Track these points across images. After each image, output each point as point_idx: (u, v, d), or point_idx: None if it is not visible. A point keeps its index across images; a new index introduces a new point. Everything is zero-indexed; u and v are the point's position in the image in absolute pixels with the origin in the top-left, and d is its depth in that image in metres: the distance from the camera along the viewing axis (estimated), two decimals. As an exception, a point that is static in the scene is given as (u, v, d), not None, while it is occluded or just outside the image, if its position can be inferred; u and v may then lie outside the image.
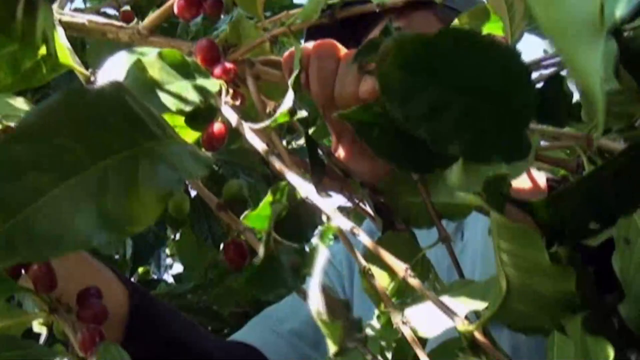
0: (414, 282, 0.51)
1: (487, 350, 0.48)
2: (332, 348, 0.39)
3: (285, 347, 1.06)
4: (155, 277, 2.63)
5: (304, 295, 0.51)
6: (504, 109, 0.46)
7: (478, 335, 0.48)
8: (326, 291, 0.42)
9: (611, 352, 0.38)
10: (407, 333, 0.54)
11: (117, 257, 2.13)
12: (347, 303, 0.58)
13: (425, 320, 0.56)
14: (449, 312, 0.50)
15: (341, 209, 0.71)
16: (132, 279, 2.45)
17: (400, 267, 0.52)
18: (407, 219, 0.74)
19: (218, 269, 2.62)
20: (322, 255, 0.37)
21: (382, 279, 0.64)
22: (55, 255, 0.41)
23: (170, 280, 2.70)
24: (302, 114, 0.62)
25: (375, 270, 0.59)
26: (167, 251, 2.73)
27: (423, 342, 0.55)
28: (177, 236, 2.47)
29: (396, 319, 0.56)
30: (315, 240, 0.43)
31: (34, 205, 0.41)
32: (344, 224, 0.51)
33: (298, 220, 0.56)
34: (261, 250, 0.48)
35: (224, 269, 2.57)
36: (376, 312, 0.66)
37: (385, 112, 0.49)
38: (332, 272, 1.16)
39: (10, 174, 0.42)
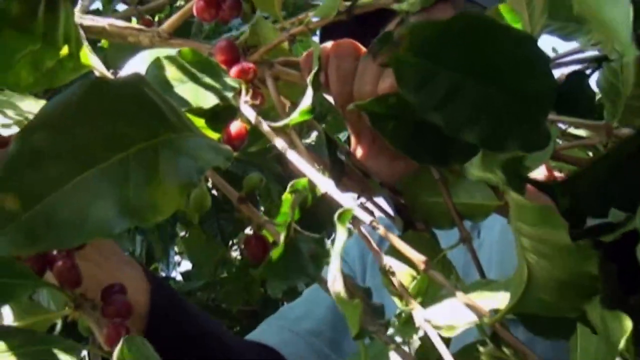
0: (434, 274, 0.50)
1: (510, 342, 0.47)
2: (353, 329, 0.39)
3: (303, 347, 1.05)
4: (164, 274, 2.63)
5: (325, 284, 0.50)
6: (520, 96, 0.46)
7: (499, 327, 0.48)
8: (346, 277, 0.42)
9: (629, 325, 0.37)
10: (430, 331, 0.54)
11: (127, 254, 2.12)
12: (368, 290, 0.58)
13: (447, 319, 0.56)
14: (470, 305, 0.50)
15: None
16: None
17: (420, 260, 0.51)
18: (427, 219, 0.73)
19: (227, 267, 2.61)
20: (341, 238, 0.37)
21: (402, 277, 0.64)
22: (76, 243, 0.42)
23: (179, 278, 2.70)
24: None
25: (396, 267, 0.59)
26: (176, 249, 2.73)
27: (446, 342, 0.55)
28: (187, 234, 2.47)
29: (418, 316, 0.55)
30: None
31: (55, 194, 0.42)
32: (364, 217, 0.50)
33: (317, 217, 0.56)
34: (282, 238, 0.48)
35: (233, 267, 2.56)
36: (397, 310, 0.65)
37: (402, 104, 0.49)
38: (345, 269, 1.15)
39: (31, 163, 0.42)
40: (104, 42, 1.36)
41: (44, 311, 0.58)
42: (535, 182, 0.44)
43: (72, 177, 0.42)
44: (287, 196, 0.56)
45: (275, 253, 0.47)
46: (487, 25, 0.44)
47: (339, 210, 0.37)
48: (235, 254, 2.81)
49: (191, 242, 2.41)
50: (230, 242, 2.60)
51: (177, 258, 2.83)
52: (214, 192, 2.20)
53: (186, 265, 2.86)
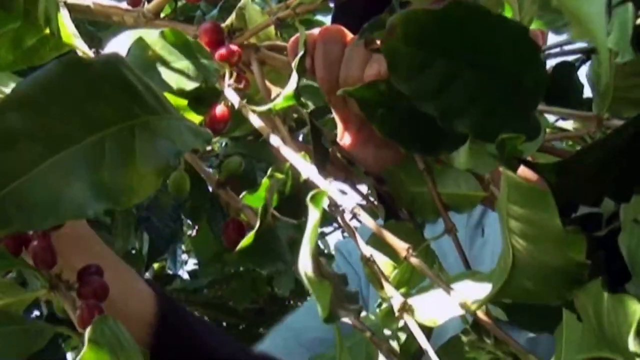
0: (416, 261, 0.50)
1: (490, 330, 0.46)
2: (322, 312, 0.38)
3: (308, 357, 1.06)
4: (170, 272, 2.63)
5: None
6: (513, 86, 0.45)
7: (481, 314, 0.47)
8: (319, 260, 0.41)
9: (638, 309, 0.36)
10: (409, 320, 0.53)
11: (133, 251, 2.12)
12: (344, 276, 0.57)
13: (428, 308, 0.55)
14: (451, 292, 0.49)
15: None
16: (148, 274, 2.46)
17: (402, 247, 0.50)
18: (412, 209, 0.72)
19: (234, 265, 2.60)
20: (313, 219, 0.36)
21: (384, 267, 0.63)
22: (49, 225, 0.41)
23: (185, 276, 2.70)
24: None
25: (378, 258, 0.58)
26: (183, 247, 2.73)
27: (427, 331, 0.54)
28: (194, 232, 2.46)
29: (397, 305, 0.55)
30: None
31: (28, 175, 0.41)
32: (346, 203, 0.50)
33: (298, 203, 0.55)
34: (257, 222, 0.47)
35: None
36: (377, 299, 0.65)
37: (391, 91, 0.48)
38: (349, 271, 1.14)
39: (3, 143, 0.41)
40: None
41: (19, 291, 0.57)
42: (530, 163, 0.44)
43: (45, 157, 0.41)
44: (265, 181, 0.55)
45: (248, 238, 0.46)
46: (482, 15, 0.43)
47: (313, 192, 0.36)
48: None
49: (198, 240, 2.39)
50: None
51: (183, 256, 2.83)
52: None
53: (193, 264, 2.86)
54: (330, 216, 0.55)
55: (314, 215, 0.35)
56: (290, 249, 0.50)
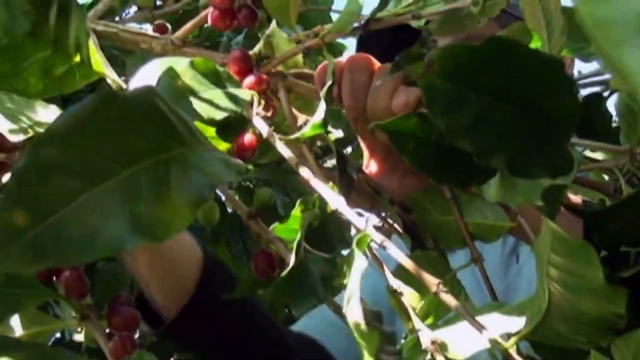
0: (446, 297, 0.50)
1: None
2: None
3: (344, 340, 1.05)
4: None
5: (335, 307, 0.49)
6: (547, 121, 0.45)
7: (513, 352, 0.47)
8: (361, 301, 0.41)
9: None
10: (437, 355, 0.53)
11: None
12: (380, 314, 0.57)
13: (455, 342, 0.55)
14: (482, 329, 0.49)
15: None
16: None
17: (432, 281, 0.50)
18: (438, 239, 0.72)
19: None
20: (359, 263, 0.36)
21: (411, 299, 0.63)
22: (84, 261, 0.41)
23: None
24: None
25: (405, 289, 0.58)
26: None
27: (454, 365, 0.54)
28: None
29: (425, 338, 0.54)
30: (346, 252, 0.42)
31: (64, 209, 0.41)
32: (375, 236, 0.50)
33: (326, 234, 0.55)
34: (292, 258, 0.47)
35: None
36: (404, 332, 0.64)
37: (422, 124, 0.48)
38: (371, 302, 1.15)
39: (40, 178, 0.41)
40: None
41: (49, 321, 0.57)
42: (572, 208, 0.43)
43: (82, 192, 0.41)
44: (296, 212, 0.55)
45: (284, 275, 0.46)
46: (517, 50, 0.43)
47: (357, 236, 0.36)
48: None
49: None
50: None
51: None
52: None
53: None
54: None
55: (360, 261, 0.35)
56: (323, 284, 0.50)
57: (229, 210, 1.85)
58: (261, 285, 0.50)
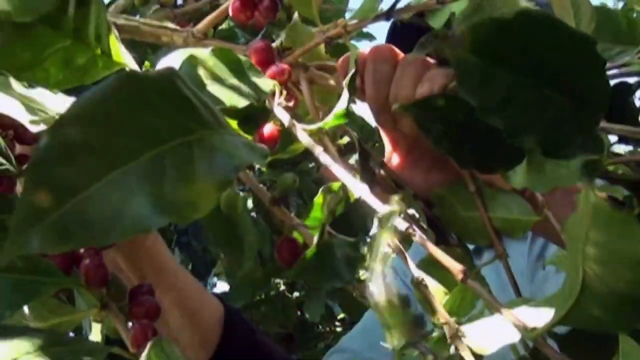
0: (472, 284, 0.48)
1: (552, 358, 0.45)
2: (397, 341, 0.36)
3: None
4: None
5: (359, 293, 0.48)
6: (578, 100, 0.44)
7: (542, 342, 0.45)
8: (389, 284, 0.40)
9: None
10: (462, 347, 0.52)
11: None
12: (406, 298, 0.55)
13: (481, 336, 0.54)
14: (509, 319, 0.47)
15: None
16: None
17: (458, 269, 0.49)
18: (462, 234, 0.71)
19: (266, 289, 2.58)
20: (384, 241, 0.34)
21: (435, 293, 0.62)
22: (111, 240, 0.40)
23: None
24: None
25: (430, 281, 0.57)
26: (214, 270, 2.72)
27: (478, 358, 0.52)
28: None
29: (451, 331, 0.53)
30: (372, 234, 0.41)
31: (88, 190, 0.40)
32: (399, 224, 0.48)
33: (349, 223, 0.54)
34: (315, 239, 0.46)
35: (271, 290, 2.54)
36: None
37: (448, 107, 0.47)
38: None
39: (63, 158, 0.40)
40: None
41: (69, 311, 0.56)
42: (613, 178, 0.42)
43: (105, 172, 0.40)
44: (318, 199, 0.54)
45: (309, 253, 0.45)
46: (548, 23, 0.42)
47: (382, 212, 0.35)
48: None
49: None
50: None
51: (214, 279, 2.82)
52: (253, 214, 2.20)
53: (222, 287, 2.85)
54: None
55: (384, 238, 0.34)
56: (347, 267, 0.48)
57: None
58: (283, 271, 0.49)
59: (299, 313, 2.67)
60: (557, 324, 0.45)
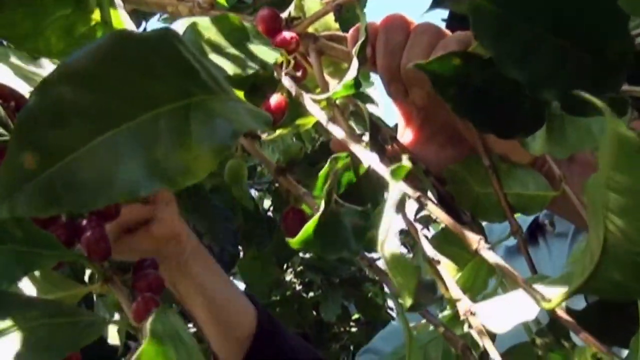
0: (488, 254, 0.46)
1: (572, 329, 0.42)
2: (407, 298, 0.33)
3: None
4: None
5: (367, 262, 0.46)
6: (600, 56, 0.41)
7: (561, 312, 0.43)
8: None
9: None
10: (475, 324, 0.50)
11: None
12: (419, 267, 0.54)
13: (496, 313, 0.51)
14: (526, 288, 0.45)
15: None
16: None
17: (474, 238, 0.47)
18: (475, 211, 0.69)
19: (281, 289, 2.58)
20: (395, 192, 0.32)
21: (448, 270, 0.60)
22: (99, 206, 0.38)
23: None
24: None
25: (442, 258, 0.54)
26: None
27: (492, 337, 0.50)
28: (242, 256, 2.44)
29: (464, 308, 0.51)
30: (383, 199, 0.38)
31: (78, 152, 0.38)
32: (410, 191, 0.46)
33: (359, 194, 0.52)
34: (321, 206, 0.43)
35: (287, 290, 2.54)
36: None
37: (466, 66, 0.45)
38: None
39: (52, 119, 0.38)
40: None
41: (72, 285, 0.55)
42: None
43: (97, 134, 0.38)
44: (325, 170, 0.52)
45: (312, 222, 0.43)
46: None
47: (393, 166, 0.32)
48: (289, 277, 2.79)
49: (246, 264, 2.37)
50: (285, 265, 2.59)
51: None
52: (270, 213, 2.19)
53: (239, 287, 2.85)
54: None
55: (395, 189, 0.31)
56: (355, 237, 0.46)
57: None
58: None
59: (314, 313, 2.66)
60: (576, 293, 0.43)
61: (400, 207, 0.55)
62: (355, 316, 3.07)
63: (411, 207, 0.63)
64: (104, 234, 0.51)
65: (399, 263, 0.30)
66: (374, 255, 0.52)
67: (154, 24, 1.92)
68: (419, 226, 0.64)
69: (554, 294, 0.48)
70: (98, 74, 0.39)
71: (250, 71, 0.55)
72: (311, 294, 2.77)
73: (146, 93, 0.40)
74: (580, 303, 0.53)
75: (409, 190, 0.47)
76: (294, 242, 0.43)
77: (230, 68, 0.53)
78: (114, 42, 0.40)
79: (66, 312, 0.45)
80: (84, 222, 0.53)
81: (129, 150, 0.38)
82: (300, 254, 2.55)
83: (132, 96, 0.40)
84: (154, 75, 0.41)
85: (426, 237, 0.56)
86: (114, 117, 0.39)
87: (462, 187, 0.68)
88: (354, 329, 3.11)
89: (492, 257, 0.46)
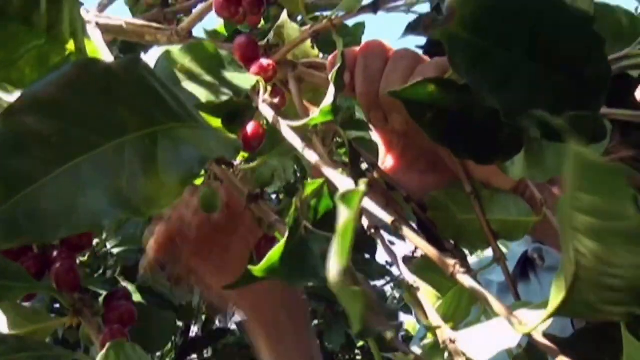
0: (463, 278, 0.45)
1: (550, 353, 0.41)
2: (355, 324, 0.32)
3: None
4: (220, 325, 2.60)
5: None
6: (578, 80, 0.40)
7: (537, 336, 0.42)
8: (352, 269, 0.36)
9: None
10: (456, 351, 0.49)
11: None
12: (383, 294, 0.53)
13: (476, 341, 0.50)
14: (503, 313, 0.44)
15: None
16: (197, 327, 2.44)
17: (449, 263, 0.46)
18: (459, 238, 0.68)
19: None
20: (343, 216, 0.30)
21: (428, 297, 0.59)
22: (61, 236, 0.37)
23: (233, 327, 2.67)
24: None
25: (421, 284, 0.54)
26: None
27: (472, 364, 0.49)
28: None
29: (444, 336, 0.50)
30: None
31: (40, 181, 0.37)
32: (385, 217, 0.46)
33: (334, 222, 0.51)
34: (286, 233, 0.43)
35: None
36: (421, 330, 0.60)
37: (441, 92, 0.44)
38: None
39: (15, 147, 0.38)
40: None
41: (44, 318, 0.54)
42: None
43: (60, 164, 0.38)
44: (297, 199, 0.51)
45: (277, 249, 0.42)
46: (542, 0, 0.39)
47: (345, 190, 0.31)
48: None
49: None
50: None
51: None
52: None
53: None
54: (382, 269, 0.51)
55: (344, 213, 0.30)
56: (324, 264, 0.45)
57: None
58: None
59: (318, 342, 2.64)
60: (552, 316, 0.42)
61: (377, 233, 0.54)
62: (360, 344, 3.04)
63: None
64: (74, 265, 0.50)
65: (342, 290, 0.29)
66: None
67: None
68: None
69: (531, 319, 0.47)
70: (62, 102, 0.39)
71: (224, 98, 0.54)
72: (315, 322, 2.75)
73: (111, 121, 0.40)
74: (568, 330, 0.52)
75: (385, 216, 0.47)
76: (256, 269, 0.42)
77: (203, 95, 0.53)
78: (78, 70, 0.40)
79: (32, 347, 0.44)
80: (55, 253, 0.52)
81: (92, 179, 0.38)
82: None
83: (96, 125, 0.39)
84: (119, 104, 0.40)
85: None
86: (78, 145, 0.38)
87: (444, 214, 0.67)
88: (358, 357, 3.08)
89: (468, 281, 0.45)
